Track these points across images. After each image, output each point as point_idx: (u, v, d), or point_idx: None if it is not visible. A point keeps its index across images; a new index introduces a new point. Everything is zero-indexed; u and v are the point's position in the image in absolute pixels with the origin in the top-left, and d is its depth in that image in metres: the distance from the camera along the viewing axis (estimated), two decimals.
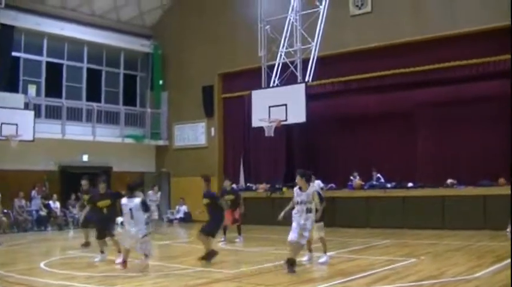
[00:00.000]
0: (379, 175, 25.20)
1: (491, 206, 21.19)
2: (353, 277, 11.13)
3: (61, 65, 28.77)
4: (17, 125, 24.02)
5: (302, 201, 12.19)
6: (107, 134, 29.25)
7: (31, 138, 24.61)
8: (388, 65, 24.31)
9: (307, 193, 12.17)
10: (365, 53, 24.76)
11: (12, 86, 26.21)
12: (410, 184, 23.80)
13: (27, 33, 27.18)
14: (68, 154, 27.56)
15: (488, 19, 21.58)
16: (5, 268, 13.09)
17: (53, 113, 27.31)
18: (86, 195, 16.68)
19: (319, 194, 12.85)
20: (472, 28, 22.00)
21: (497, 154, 24.13)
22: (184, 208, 29.56)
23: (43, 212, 25.34)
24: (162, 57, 31.99)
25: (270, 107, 20.15)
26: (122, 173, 29.43)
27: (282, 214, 13.16)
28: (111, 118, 29.88)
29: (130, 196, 12.97)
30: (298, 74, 20.51)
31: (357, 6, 24.98)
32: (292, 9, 21.64)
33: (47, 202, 25.65)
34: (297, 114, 19.58)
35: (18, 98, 25.80)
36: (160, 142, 31.60)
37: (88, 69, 29.85)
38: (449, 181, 23.03)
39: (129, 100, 31.70)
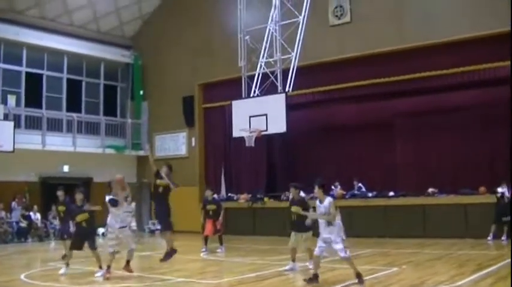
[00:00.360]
0: (360, 184, 25.32)
1: (472, 214, 21.35)
2: (339, 286, 11.17)
3: (41, 75, 28.63)
4: None
5: (321, 213, 11.76)
6: (87, 144, 29.12)
7: (11, 149, 24.46)
8: (368, 75, 24.41)
9: (324, 204, 11.64)
10: (345, 63, 24.85)
11: None
12: (391, 193, 23.89)
13: (6, 43, 27.06)
14: (49, 165, 27.39)
15: (466, 29, 21.77)
16: None
17: (33, 124, 27.16)
18: (61, 206, 16.48)
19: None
20: (450, 38, 22.14)
21: (478, 162, 24.37)
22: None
23: (23, 224, 25.18)
24: (143, 68, 31.98)
25: (250, 117, 20.15)
26: (103, 183, 29.28)
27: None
28: (91, 129, 29.75)
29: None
30: (279, 84, 20.51)
31: (337, 16, 25.09)
32: (272, 20, 21.67)
33: (27, 213, 25.49)
34: (278, 125, 19.58)
35: None
36: (141, 152, 31.49)
37: (68, 80, 29.72)
38: (430, 189, 23.17)
39: (110, 110, 31.59)
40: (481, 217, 20.83)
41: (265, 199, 26.67)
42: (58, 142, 27.77)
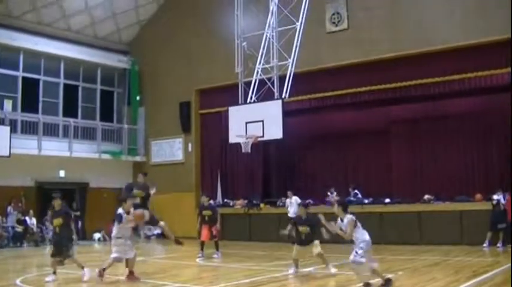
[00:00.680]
0: (356, 190, 25.31)
1: (467, 221, 21.38)
2: None
3: (37, 80, 28.60)
4: None
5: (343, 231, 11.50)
6: (83, 150, 29.11)
7: (7, 154, 24.47)
8: (365, 82, 24.45)
9: (344, 223, 11.44)
10: (341, 70, 24.90)
11: None
12: (387, 200, 23.90)
13: (3, 48, 27.01)
14: (45, 170, 27.37)
15: (461, 37, 21.87)
16: None
17: (30, 129, 27.14)
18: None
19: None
20: (445, 46, 22.23)
21: (473, 169, 24.46)
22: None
23: (19, 229, 25.15)
24: (139, 73, 31.99)
25: (246, 123, 20.15)
26: (99, 189, 29.36)
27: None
28: (88, 134, 29.75)
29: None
30: (275, 90, 20.52)
31: (334, 23, 25.14)
32: (269, 26, 21.70)
33: (23, 218, 25.45)
34: (274, 131, 19.58)
35: None
36: (138, 158, 31.50)
37: (65, 85, 29.67)
38: (426, 196, 23.20)
39: (106, 116, 31.55)
40: (477, 224, 20.87)
41: (261, 205, 26.70)
42: (54, 147, 27.73)
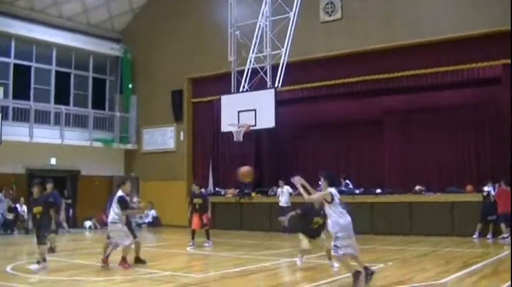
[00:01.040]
0: (347, 180, 25.35)
1: (458, 212, 21.45)
2: (320, 283, 11.15)
3: (29, 67, 28.47)
4: None
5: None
6: (75, 137, 29.02)
7: None
8: (358, 72, 24.45)
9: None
10: (334, 60, 24.89)
11: None
12: (378, 190, 23.98)
13: None
14: (36, 157, 27.28)
15: (455, 28, 21.87)
16: None
17: (21, 116, 27.03)
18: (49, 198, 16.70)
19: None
20: (439, 37, 22.23)
21: (465, 161, 24.53)
22: (152, 213, 29.43)
23: (10, 216, 25.08)
24: (132, 61, 31.89)
25: (239, 112, 20.13)
26: (90, 176, 29.32)
27: None
28: (79, 121, 29.65)
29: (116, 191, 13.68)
30: (268, 79, 20.49)
31: (327, 13, 25.09)
32: (263, 15, 21.64)
33: (14, 206, 25.39)
34: (266, 120, 19.57)
35: None
36: (129, 146, 31.46)
37: (57, 72, 29.55)
38: (417, 187, 23.27)
39: (98, 104, 31.45)
40: (467, 215, 20.93)
41: (253, 194, 26.70)
42: (46, 134, 27.65)
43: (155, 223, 29.08)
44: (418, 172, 25.23)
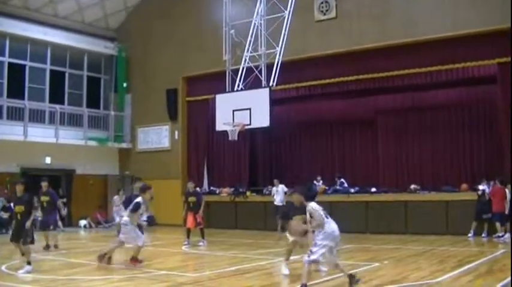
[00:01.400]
0: (342, 179, 25.37)
1: (453, 211, 21.47)
2: (315, 282, 11.13)
3: (24, 66, 28.35)
4: None
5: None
6: (70, 136, 28.93)
7: None
8: (352, 71, 24.45)
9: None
10: (329, 59, 24.87)
11: None
12: (373, 189, 24.00)
13: None
14: (31, 156, 27.18)
15: (449, 28, 21.87)
16: None
17: (15, 115, 26.91)
18: (44, 197, 16.76)
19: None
20: (434, 36, 22.22)
21: (459, 159, 24.56)
22: (148, 212, 29.36)
23: (4, 215, 25.00)
24: (126, 60, 31.82)
25: (234, 111, 20.16)
26: (85, 175, 29.29)
27: None
28: (74, 120, 29.56)
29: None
30: (263, 78, 20.52)
31: (322, 11, 25.07)
32: (257, 14, 21.66)
33: (8, 205, 25.29)
34: (261, 119, 19.61)
35: None
36: (124, 145, 31.40)
37: (51, 71, 29.45)
38: (412, 186, 23.31)
39: (93, 102, 31.34)
40: (462, 214, 20.95)
41: (248, 193, 26.71)
42: (40, 133, 27.53)
43: (150, 222, 28.97)
44: (412, 171, 25.29)
